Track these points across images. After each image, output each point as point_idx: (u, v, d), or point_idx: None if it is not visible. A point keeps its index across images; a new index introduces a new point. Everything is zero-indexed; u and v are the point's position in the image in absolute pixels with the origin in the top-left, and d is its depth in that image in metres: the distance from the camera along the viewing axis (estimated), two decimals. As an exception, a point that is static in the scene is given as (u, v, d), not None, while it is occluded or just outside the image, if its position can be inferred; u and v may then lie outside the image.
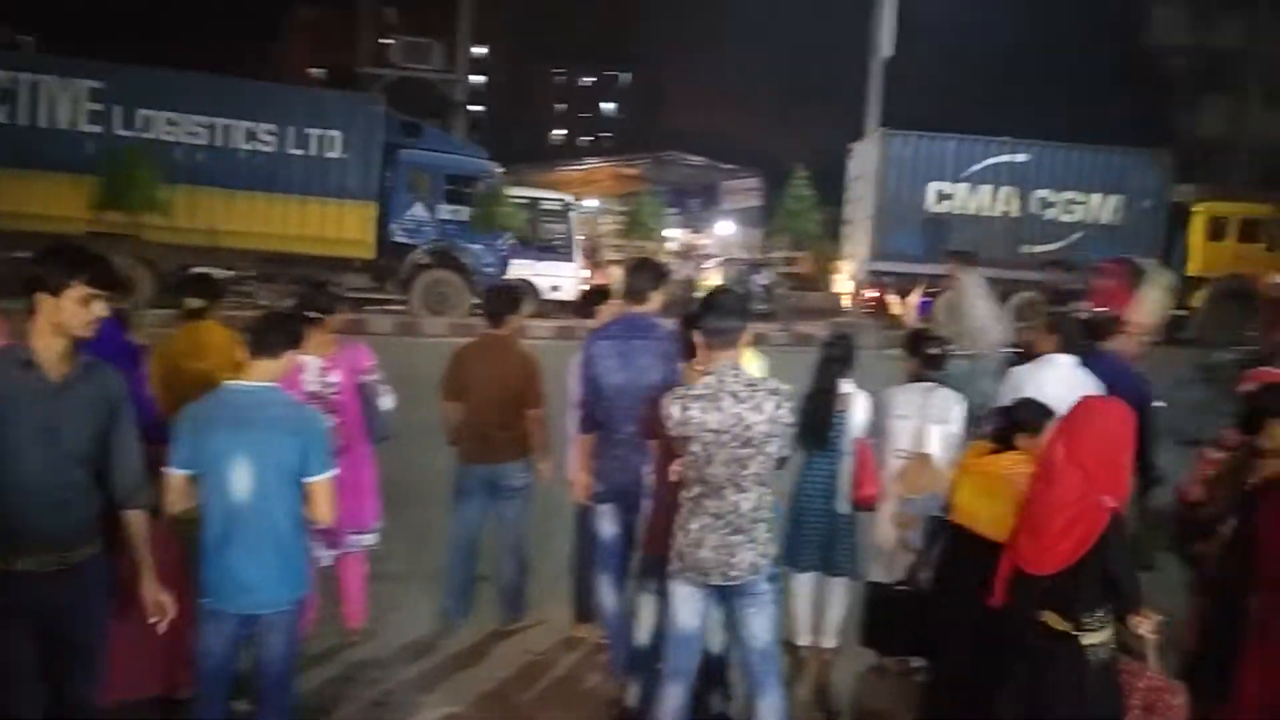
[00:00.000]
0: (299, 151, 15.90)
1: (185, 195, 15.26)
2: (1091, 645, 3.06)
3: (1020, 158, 19.04)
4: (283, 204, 15.85)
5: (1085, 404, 3.28)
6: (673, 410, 3.28)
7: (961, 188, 18.89)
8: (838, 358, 4.43)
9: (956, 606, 3.70)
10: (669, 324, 4.21)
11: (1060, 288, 13.84)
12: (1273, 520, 3.23)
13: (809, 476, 4.41)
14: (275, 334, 3.28)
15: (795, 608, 4.51)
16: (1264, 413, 3.62)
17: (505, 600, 4.91)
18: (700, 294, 7.12)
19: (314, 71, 33.67)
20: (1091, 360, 4.83)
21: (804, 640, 4.58)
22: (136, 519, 2.94)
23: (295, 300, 4.59)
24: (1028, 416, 3.67)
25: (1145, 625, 3.04)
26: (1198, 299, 18.02)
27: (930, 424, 4.43)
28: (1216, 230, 18.87)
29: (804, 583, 4.51)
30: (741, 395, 3.25)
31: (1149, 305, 5.61)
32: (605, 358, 4.11)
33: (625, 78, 62.42)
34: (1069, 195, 19.07)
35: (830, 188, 21.06)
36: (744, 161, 30.14)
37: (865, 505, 4.44)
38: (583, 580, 4.68)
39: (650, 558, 3.81)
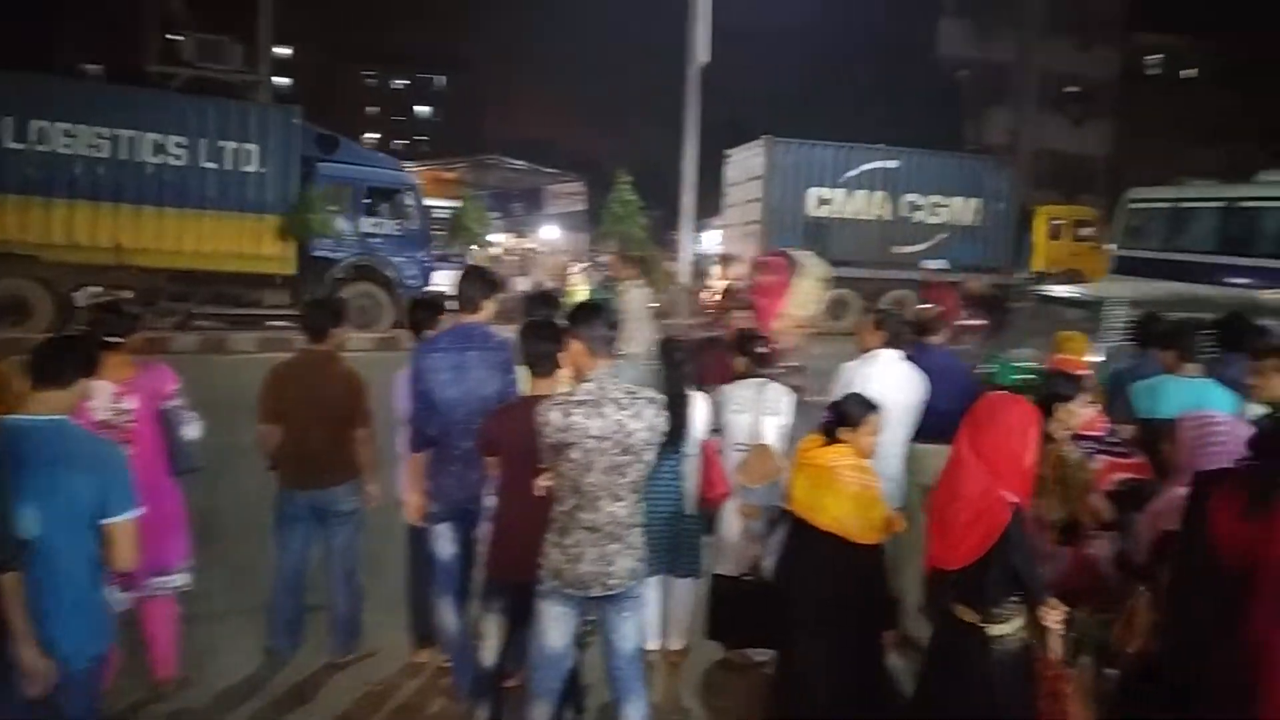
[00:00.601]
0: (213, 165, 15.19)
1: (86, 212, 14.27)
2: (999, 636, 3.15)
3: (891, 164, 20.21)
4: (195, 219, 15.03)
5: (989, 401, 3.31)
6: (552, 417, 3.20)
7: (839, 193, 19.92)
8: (681, 362, 4.47)
9: (798, 595, 3.81)
10: (503, 333, 4.11)
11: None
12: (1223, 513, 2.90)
13: (655, 480, 4.41)
14: (63, 361, 2.96)
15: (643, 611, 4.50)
16: (1053, 399, 3.88)
17: (339, 630, 4.65)
18: (568, 300, 7.03)
19: (91, 67, 30.99)
20: (919, 354, 5.16)
21: (652, 645, 4.58)
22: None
23: (88, 322, 4.15)
24: (849, 411, 3.83)
25: (1050, 617, 3.11)
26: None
27: (764, 416, 4.59)
28: (1054, 231, 22.03)
29: (650, 586, 4.51)
30: (623, 402, 3.23)
31: (802, 297, 5.74)
32: (438, 371, 3.97)
33: (440, 81, 61.39)
34: (935, 199, 20.43)
35: (654, 191, 21.43)
36: (567, 166, 30.22)
37: (715, 505, 4.50)
38: (420, 604, 4.51)
39: (494, 578, 3.70)
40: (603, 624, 3.43)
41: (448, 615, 4.11)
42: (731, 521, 4.58)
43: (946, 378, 5.16)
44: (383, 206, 16.85)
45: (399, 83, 61.29)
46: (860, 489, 3.67)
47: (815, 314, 5.05)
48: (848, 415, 3.81)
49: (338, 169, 16.52)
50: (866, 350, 4.95)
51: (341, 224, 16.24)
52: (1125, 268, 16.18)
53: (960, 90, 30.68)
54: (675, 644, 4.59)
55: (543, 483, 3.38)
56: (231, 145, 15.31)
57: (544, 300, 5.55)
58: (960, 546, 3.10)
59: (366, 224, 16.64)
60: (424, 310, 4.73)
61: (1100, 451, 4.27)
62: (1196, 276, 13.80)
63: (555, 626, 3.34)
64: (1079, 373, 4.59)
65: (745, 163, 20.55)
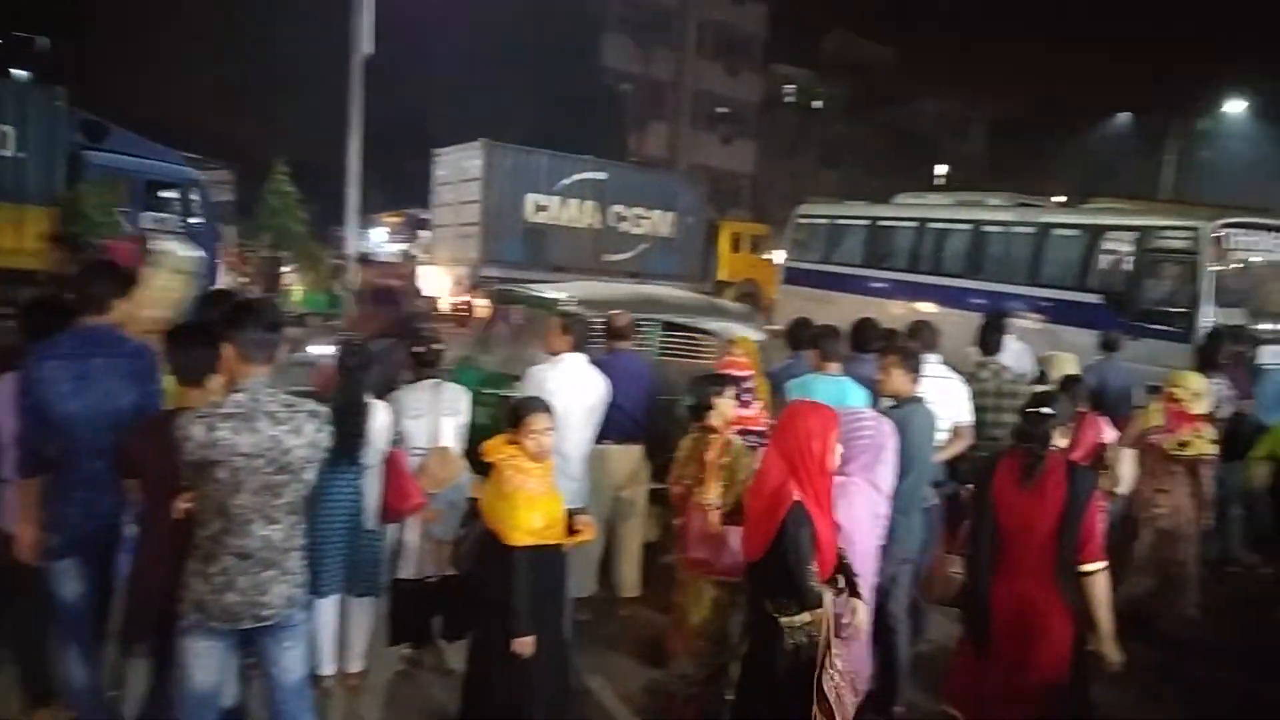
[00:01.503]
0: None
1: None
2: (789, 628, 3.19)
3: (600, 175, 21.21)
4: None
5: (795, 406, 3.57)
6: (194, 431, 2.86)
7: (555, 200, 20.53)
8: (358, 368, 4.23)
9: (483, 597, 3.76)
10: (137, 337, 3.63)
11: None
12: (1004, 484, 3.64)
13: (332, 495, 4.13)
14: None
15: (318, 636, 4.19)
16: (707, 396, 4.24)
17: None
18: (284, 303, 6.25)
19: None
20: (610, 358, 5.38)
21: (329, 670, 4.30)
22: None
23: None
24: (511, 411, 3.83)
25: (811, 613, 3.20)
26: (726, 298, 22.41)
27: (443, 417, 4.55)
28: (736, 244, 24.17)
29: (327, 608, 4.23)
30: (280, 416, 2.96)
31: (157, 292, 5.29)
32: (56, 381, 3.41)
33: (43, 43, 53.65)
34: (637, 211, 21.75)
35: (313, 185, 20.17)
36: (210, 152, 27.59)
37: (401, 518, 4.34)
38: (37, 654, 3.84)
39: (137, 616, 3.25)
40: (261, 657, 3.15)
41: (75, 666, 3.56)
42: (412, 526, 4.47)
43: (634, 381, 5.39)
44: (165, 201, 15.68)
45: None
46: (513, 489, 3.64)
47: (173, 312, 4.67)
48: (510, 415, 3.82)
49: (112, 159, 15.08)
50: (554, 354, 5.01)
51: (119, 219, 14.65)
52: (792, 278, 17.80)
53: (623, 103, 32.16)
54: (353, 666, 4.37)
55: (182, 505, 3.02)
56: None
57: (215, 301, 4.98)
58: (753, 538, 3.29)
59: (148, 219, 15.25)
60: (45, 314, 3.85)
61: (762, 444, 4.63)
62: (848, 287, 15.64)
63: (201, 664, 3.00)
64: (741, 373, 4.93)
65: (458, 164, 20.44)
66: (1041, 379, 6.07)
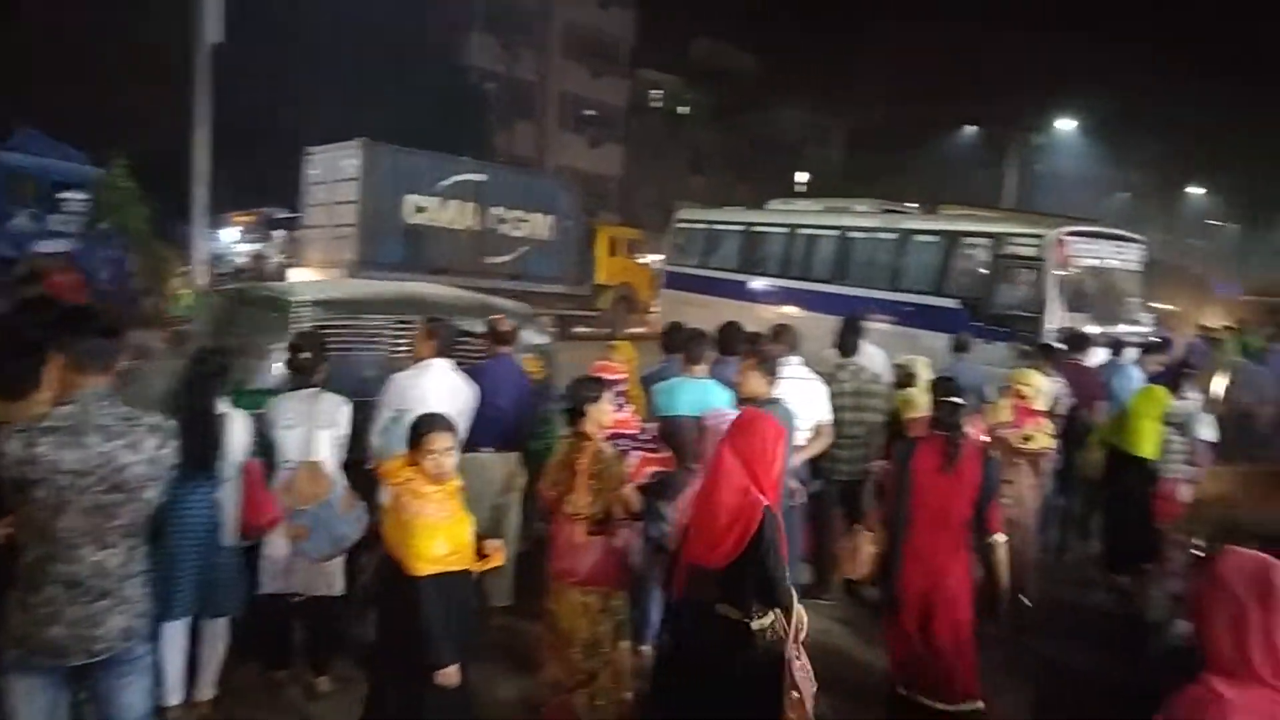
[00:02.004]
0: None
1: None
2: (760, 630, 3.34)
3: (480, 177, 20.92)
4: None
5: (748, 414, 3.67)
6: (10, 447, 2.63)
7: (434, 201, 20.07)
8: (212, 374, 3.99)
9: (389, 624, 3.60)
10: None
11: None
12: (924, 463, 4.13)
13: (184, 511, 3.90)
14: None
15: (164, 663, 3.93)
16: (583, 401, 4.18)
17: None
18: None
19: None
20: (491, 363, 5.39)
21: (175, 699, 4.04)
22: None
23: None
24: (413, 431, 3.62)
25: (785, 612, 3.38)
26: (604, 300, 23.41)
27: (318, 430, 4.37)
28: (612, 248, 24.09)
29: (176, 631, 3.99)
30: (114, 430, 2.74)
31: None
32: None
33: None
34: (517, 213, 21.52)
35: (156, 180, 19.01)
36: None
37: (260, 533, 4.13)
38: None
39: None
40: (95, 695, 2.89)
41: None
42: (278, 543, 4.28)
43: (512, 387, 5.40)
44: (72, 203, 15.55)
45: None
46: (411, 516, 3.43)
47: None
48: (409, 435, 3.60)
49: (19, 159, 14.93)
50: (419, 359, 4.91)
51: (23, 220, 14.64)
52: (671, 282, 18.11)
53: (488, 102, 31.79)
54: (204, 694, 4.14)
55: (0, 529, 2.78)
56: None
57: (37, 307, 4.63)
58: (720, 546, 3.30)
59: (54, 221, 15.27)
60: None
61: (635, 448, 4.64)
62: (724, 291, 15.87)
63: (26, 706, 2.74)
64: (614, 377, 4.92)
65: (334, 162, 19.66)
66: (909, 381, 6.31)
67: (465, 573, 3.56)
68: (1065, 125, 38.25)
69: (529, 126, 34.84)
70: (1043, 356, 7.65)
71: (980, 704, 4.18)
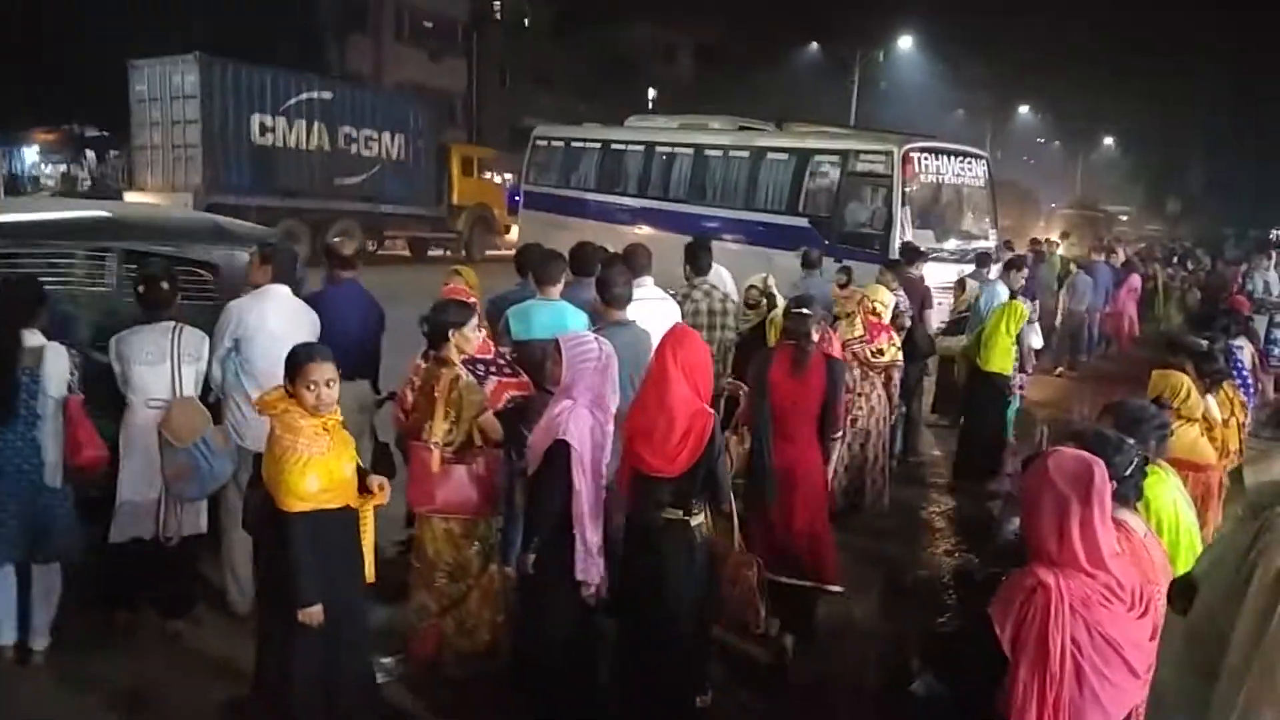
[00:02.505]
0: None
1: None
2: (696, 525, 3.70)
3: (326, 95, 20.52)
4: None
5: (680, 329, 3.95)
6: None
7: (281, 121, 19.49)
8: (19, 304, 3.68)
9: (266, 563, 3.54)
10: None
11: None
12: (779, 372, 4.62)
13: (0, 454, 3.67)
14: None
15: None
16: (446, 326, 4.10)
17: None
18: None
19: None
20: (335, 288, 5.23)
21: (8, 639, 3.91)
22: None
23: None
24: (291, 360, 3.41)
25: (728, 509, 3.87)
26: (461, 222, 23.29)
27: (183, 365, 4.20)
28: (466, 168, 23.75)
29: (5, 577, 3.81)
30: None
31: None
32: None
33: None
34: (368, 133, 21.18)
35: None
36: None
37: (88, 471, 3.91)
38: None
39: None
40: None
41: None
42: (135, 484, 4.11)
43: (358, 313, 5.23)
44: None
45: None
46: (283, 450, 3.28)
47: None
48: (286, 363, 3.39)
49: None
50: (256, 286, 4.68)
51: None
52: (530, 202, 17.54)
53: (319, 13, 29.95)
54: (38, 642, 3.96)
55: None
56: None
57: None
58: (678, 457, 3.58)
59: None
60: None
61: (490, 373, 4.57)
62: (583, 211, 15.54)
63: None
64: (469, 300, 4.81)
65: (166, 78, 18.41)
66: (770, 303, 6.45)
67: (345, 509, 3.42)
68: (905, 43, 39.36)
69: (365, 40, 33.09)
70: (890, 271, 7.96)
71: (838, 588, 4.69)
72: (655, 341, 4.81)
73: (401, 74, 34.18)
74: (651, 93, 42.41)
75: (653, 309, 5.29)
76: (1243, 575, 2.15)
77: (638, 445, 3.67)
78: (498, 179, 25.04)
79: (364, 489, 3.49)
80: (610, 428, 3.80)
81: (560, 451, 3.59)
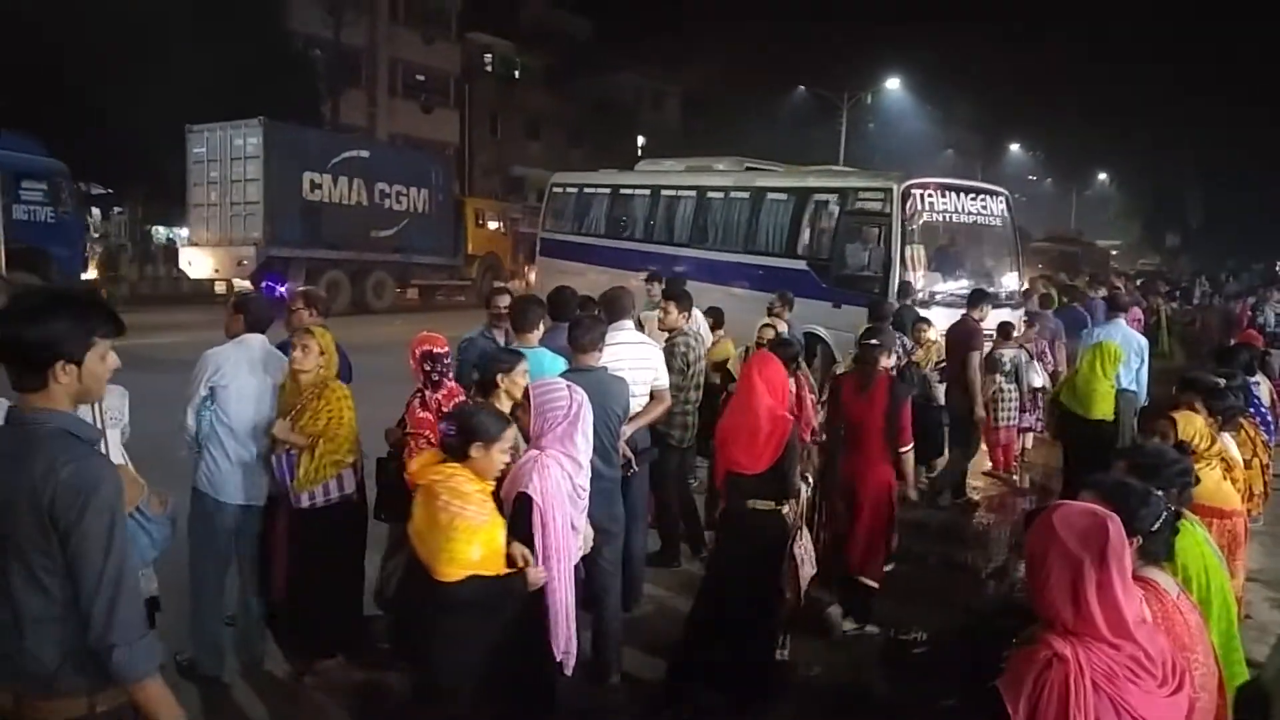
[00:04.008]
0: None
1: None
2: (786, 514, 4.40)
3: (364, 153, 22.80)
4: None
5: (762, 354, 4.96)
6: None
7: (327, 178, 21.28)
8: None
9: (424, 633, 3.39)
10: None
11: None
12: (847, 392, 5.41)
13: None
14: None
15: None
16: (494, 372, 4.08)
17: None
18: None
19: None
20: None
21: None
22: None
23: None
24: (484, 425, 3.31)
25: (795, 498, 4.53)
26: (474, 270, 25.24)
27: (107, 429, 3.78)
28: (479, 219, 25.96)
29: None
30: None
31: None
32: None
33: None
34: (398, 188, 22.93)
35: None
36: None
37: None
38: None
39: None
40: None
41: None
42: None
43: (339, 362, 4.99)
44: (34, 193, 16.35)
45: None
46: (450, 518, 3.14)
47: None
48: (473, 430, 3.26)
49: None
50: (232, 335, 4.62)
51: None
52: (546, 249, 17.30)
53: (315, 69, 30.15)
54: None
55: None
56: None
57: None
58: (763, 455, 4.32)
59: (19, 211, 15.99)
60: None
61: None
62: (593, 258, 15.13)
63: None
64: (440, 350, 4.59)
65: (227, 141, 20.32)
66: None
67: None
68: (892, 85, 39.61)
69: (359, 94, 33.32)
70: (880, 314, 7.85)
71: (875, 583, 5.29)
72: (631, 385, 4.62)
73: (395, 126, 34.54)
74: (641, 139, 42.68)
75: (632, 352, 5.09)
76: None
77: (730, 448, 4.43)
78: (503, 229, 26.79)
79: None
80: (582, 480, 3.53)
81: (527, 504, 3.40)
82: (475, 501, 3.20)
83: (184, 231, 23.68)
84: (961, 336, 7.98)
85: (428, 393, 4.51)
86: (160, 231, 28.50)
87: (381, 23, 34.56)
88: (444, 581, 3.12)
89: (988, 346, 8.28)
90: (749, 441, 4.31)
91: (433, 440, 4.29)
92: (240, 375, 4.43)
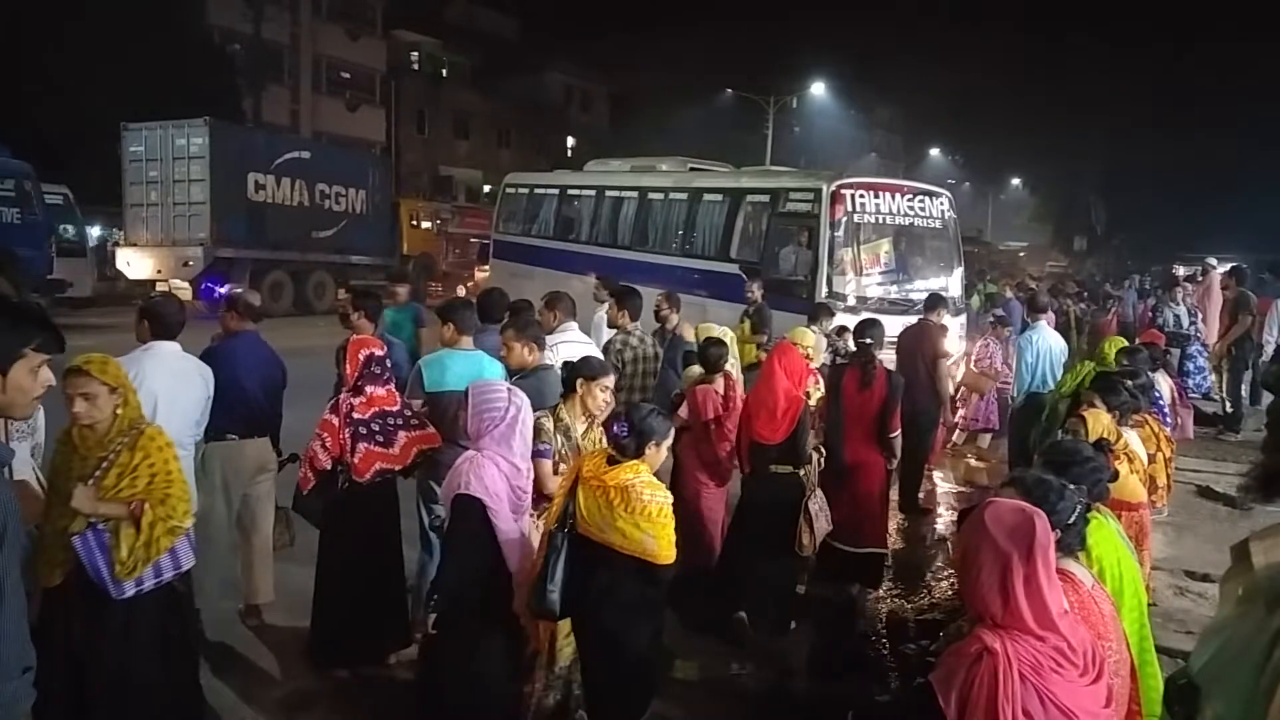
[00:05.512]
0: None
1: None
2: (805, 475, 5.33)
3: (305, 154, 22.74)
4: None
5: (785, 344, 5.67)
6: None
7: (271, 179, 21.17)
8: None
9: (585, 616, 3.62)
10: None
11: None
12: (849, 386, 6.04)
13: None
14: None
15: None
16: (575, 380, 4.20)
17: None
18: None
19: None
20: (239, 342, 5.05)
21: None
22: None
23: None
24: (653, 426, 3.54)
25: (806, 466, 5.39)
26: (411, 270, 24.53)
27: (17, 441, 3.77)
28: (414, 219, 26.20)
29: None
30: None
31: None
32: None
33: None
34: (337, 189, 22.98)
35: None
36: None
37: None
38: None
39: None
40: None
41: None
42: None
43: (259, 367, 5.07)
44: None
45: None
46: (658, 507, 3.42)
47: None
48: (651, 430, 3.52)
49: None
50: (142, 342, 4.46)
51: None
52: (499, 251, 16.97)
53: (234, 64, 29.35)
54: None
55: None
56: None
57: None
58: (781, 426, 5.22)
59: None
60: None
61: (398, 427, 4.48)
62: (543, 260, 14.79)
63: None
64: (380, 352, 4.57)
65: (168, 140, 19.95)
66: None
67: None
68: (817, 89, 40.29)
69: (282, 90, 32.55)
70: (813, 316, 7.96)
71: (883, 550, 6.11)
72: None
73: (319, 124, 33.92)
74: (570, 140, 42.60)
75: (575, 352, 5.17)
76: (1266, 682, 1.96)
77: (754, 422, 5.29)
78: (433, 229, 26.86)
79: None
80: (524, 481, 3.55)
81: (467, 505, 3.42)
82: (665, 491, 3.52)
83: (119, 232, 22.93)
84: (923, 340, 7.80)
85: (349, 397, 4.42)
86: (95, 233, 27.52)
87: (304, 18, 33.86)
88: (661, 565, 3.41)
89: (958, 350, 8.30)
90: (769, 417, 5.22)
91: (328, 444, 4.35)
92: (146, 385, 3.97)
